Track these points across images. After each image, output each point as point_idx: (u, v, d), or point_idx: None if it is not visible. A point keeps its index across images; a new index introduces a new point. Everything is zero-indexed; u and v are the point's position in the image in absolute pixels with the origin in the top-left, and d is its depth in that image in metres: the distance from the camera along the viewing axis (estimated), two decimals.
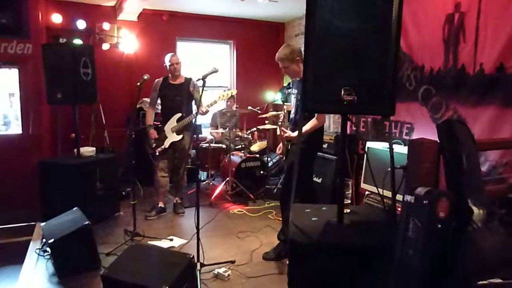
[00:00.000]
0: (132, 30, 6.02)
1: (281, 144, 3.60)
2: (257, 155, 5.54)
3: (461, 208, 1.64)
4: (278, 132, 3.17)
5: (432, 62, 3.56)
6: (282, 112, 3.14)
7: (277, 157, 6.30)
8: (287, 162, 3.39)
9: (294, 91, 3.34)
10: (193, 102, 4.51)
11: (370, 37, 1.77)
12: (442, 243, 1.59)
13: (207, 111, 4.26)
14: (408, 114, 3.79)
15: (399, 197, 2.87)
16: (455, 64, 3.34)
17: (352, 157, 4.30)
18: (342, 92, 1.78)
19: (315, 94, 1.86)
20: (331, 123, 5.43)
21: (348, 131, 4.55)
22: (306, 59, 1.86)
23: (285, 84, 6.88)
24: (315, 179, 4.56)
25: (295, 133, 3.10)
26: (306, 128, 3.12)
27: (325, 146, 4.56)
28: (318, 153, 4.52)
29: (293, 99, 3.32)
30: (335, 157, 4.35)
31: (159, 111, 4.66)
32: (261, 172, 5.34)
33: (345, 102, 1.79)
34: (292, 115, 3.34)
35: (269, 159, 5.83)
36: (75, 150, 4.18)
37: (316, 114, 3.13)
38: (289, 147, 3.36)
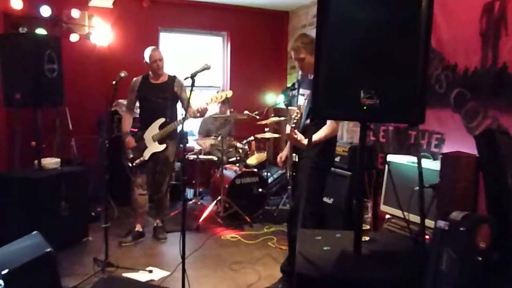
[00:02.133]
0: (106, 18, 6.04)
1: (285, 152, 3.56)
2: (255, 170, 5.52)
3: (506, 237, 1.62)
4: (288, 130, 3.12)
5: (467, 60, 3.57)
6: (298, 110, 3.12)
7: (279, 172, 6.29)
8: (295, 179, 3.37)
9: (306, 91, 3.35)
10: (179, 104, 4.51)
11: (396, 30, 1.77)
12: (482, 280, 1.58)
13: (205, 110, 4.25)
14: (437, 122, 3.79)
15: (428, 222, 2.87)
16: (495, 62, 3.35)
17: (370, 173, 4.28)
18: (362, 94, 1.78)
19: (328, 97, 1.86)
20: (345, 132, 5.44)
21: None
22: (318, 55, 1.86)
23: (289, 85, 6.90)
24: (325, 199, 4.54)
25: (306, 140, 3.09)
26: (317, 137, 3.11)
27: (337, 159, 4.54)
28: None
29: (303, 101, 3.31)
30: (349, 173, 4.34)
31: (138, 116, 4.65)
32: (260, 190, 5.32)
33: (365, 107, 1.78)
34: (302, 121, 3.32)
35: (269, 174, 5.82)
36: (36, 161, 4.14)
37: (328, 121, 3.13)
38: (296, 160, 3.35)
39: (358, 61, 1.82)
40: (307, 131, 3.19)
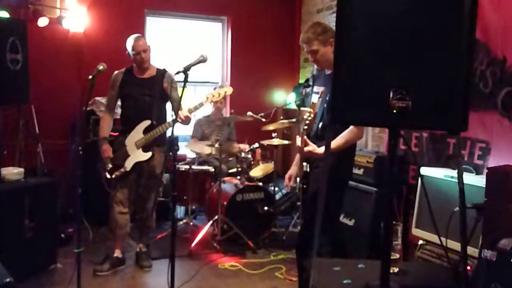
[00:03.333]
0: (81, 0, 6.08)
1: (293, 169, 3.57)
2: (260, 184, 5.52)
3: None
4: (298, 143, 3.14)
5: None
6: (311, 111, 3.13)
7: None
8: (306, 193, 3.37)
9: (320, 88, 3.36)
10: (168, 104, 4.52)
11: (433, 17, 1.77)
12: None
13: (188, 119, 4.25)
14: (482, 129, 3.78)
15: (471, 250, 2.86)
16: None
17: (400, 189, 4.27)
18: (391, 95, 1.77)
19: (351, 98, 1.85)
20: (369, 139, 5.43)
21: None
22: (338, 48, 1.86)
23: (302, 81, 6.91)
24: (345, 220, 4.54)
25: (322, 149, 3.09)
26: (337, 143, 3.13)
27: (359, 171, 4.54)
28: (350, 182, 4.52)
29: (318, 100, 3.33)
30: (374, 189, 4.33)
31: (119, 117, 4.65)
32: (266, 208, 5.31)
33: (395, 111, 1.77)
34: (315, 125, 3.33)
35: (277, 189, 5.81)
36: None
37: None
38: (307, 170, 3.35)
39: (387, 55, 1.82)
40: (322, 136, 3.20)
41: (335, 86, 1.88)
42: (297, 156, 3.53)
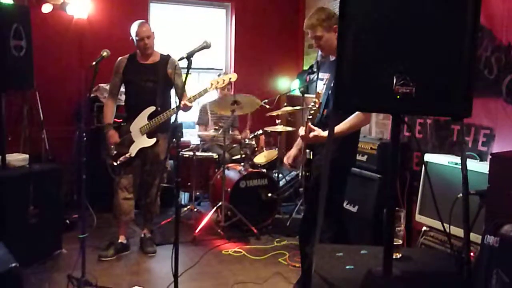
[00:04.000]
0: None
1: (294, 150, 3.57)
2: (264, 170, 5.52)
3: None
4: (301, 132, 3.14)
5: None
6: (315, 100, 3.13)
7: (293, 173, 6.29)
8: (309, 180, 3.37)
9: (325, 75, 3.36)
10: (172, 90, 4.52)
11: (437, 4, 1.75)
12: None
13: (187, 107, 4.26)
14: (486, 115, 3.77)
15: (474, 236, 2.86)
16: None
17: (404, 175, 4.27)
18: (395, 81, 1.76)
19: (354, 84, 1.84)
20: (373, 125, 5.42)
21: None
22: (342, 34, 1.84)
23: (306, 67, 6.88)
24: (348, 207, 4.54)
25: (325, 133, 3.09)
26: (340, 128, 3.13)
27: (363, 158, 4.54)
28: (354, 168, 4.52)
29: (322, 86, 3.33)
30: (378, 176, 4.33)
31: (123, 103, 4.65)
32: (269, 195, 5.33)
33: (398, 96, 1.77)
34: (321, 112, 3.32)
35: (281, 176, 5.82)
36: None
37: None
38: (310, 157, 3.35)
39: (390, 41, 1.80)
40: (326, 123, 3.19)
41: (339, 72, 1.86)
42: (299, 140, 3.52)
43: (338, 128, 3.11)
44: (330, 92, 3.24)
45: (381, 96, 1.81)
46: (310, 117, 3.07)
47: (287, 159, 3.62)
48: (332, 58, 3.37)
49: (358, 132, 3.41)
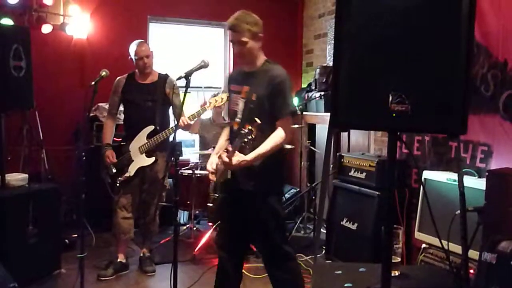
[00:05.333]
0: (85, 5, 6.10)
1: (214, 158, 3.32)
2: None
3: None
4: (225, 159, 2.92)
5: None
6: (251, 129, 3.00)
7: (292, 190, 6.29)
8: (225, 207, 3.30)
9: (240, 88, 3.20)
10: (171, 109, 4.53)
11: (431, 19, 1.77)
12: None
13: (188, 126, 4.27)
14: (483, 132, 3.77)
15: (472, 253, 2.85)
16: None
17: (402, 192, 4.27)
18: (390, 98, 1.78)
19: (350, 102, 1.86)
20: (372, 142, 5.43)
21: (397, 155, 4.57)
22: (338, 50, 1.87)
23: (304, 85, 6.92)
24: (347, 224, 4.54)
25: (251, 155, 2.96)
26: (264, 149, 2.99)
27: (362, 175, 4.54)
28: (353, 186, 4.52)
29: (240, 102, 3.17)
30: (377, 193, 4.32)
31: (122, 122, 4.67)
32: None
33: (394, 114, 1.78)
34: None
35: None
36: None
37: (280, 125, 3.04)
38: (228, 177, 3.18)
39: (386, 58, 1.82)
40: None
41: (335, 89, 1.88)
42: (218, 145, 3.43)
43: (262, 149, 2.97)
44: (252, 105, 3.09)
45: (377, 113, 1.82)
46: (244, 144, 2.86)
47: (210, 165, 3.30)
48: (248, 69, 3.22)
49: (283, 151, 3.30)
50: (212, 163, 3.26)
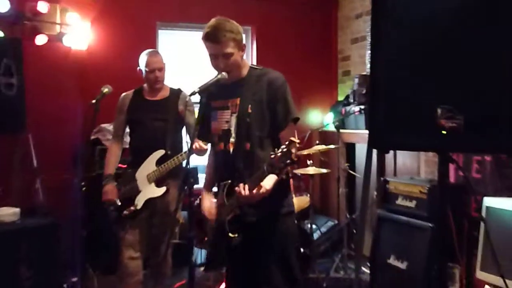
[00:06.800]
0: (85, 13, 6.19)
1: (208, 202, 3.42)
2: (295, 220, 5.50)
3: None
4: (246, 192, 2.90)
5: None
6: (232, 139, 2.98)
7: (329, 223, 6.25)
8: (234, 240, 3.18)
9: (226, 102, 3.21)
10: (184, 130, 4.56)
11: (486, 19, 1.78)
12: None
13: (203, 149, 4.20)
14: None
15: None
16: None
17: (460, 224, 4.21)
18: (439, 113, 1.78)
19: (389, 118, 1.86)
20: (422, 165, 5.38)
21: (452, 179, 4.52)
22: (375, 59, 1.88)
23: (341, 98, 6.92)
24: (395, 262, 4.49)
25: (270, 182, 2.91)
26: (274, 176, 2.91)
27: (411, 204, 4.50)
28: (400, 216, 4.48)
29: (232, 119, 3.16)
30: (430, 225, 4.27)
31: (128, 146, 4.70)
32: (301, 250, 5.28)
33: (444, 131, 1.77)
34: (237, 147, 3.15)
35: (314, 227, 5.78)
36: None
37: (284, 135, 3.00)
38: (238, 213, 3.13)
39: (432, 66, 1.83)
40: (251, 162, 3.04)
41: (372, 102, 1.89)
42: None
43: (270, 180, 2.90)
44: (249, 119, 3.08)
45: (423, 131, 1.83)
46: (278, 172, 2.73)
47: (208, 212, 3.41)
48: (234, 79, 3.17)
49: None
50: (211, 209, 3.32)
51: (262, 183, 2.86)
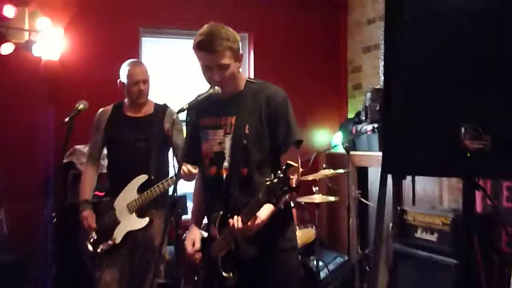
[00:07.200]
0: (58, 18, 6.21)
1: (194, 234, 3.36)
2: (299, 256, 5.49)
3: None
4: (239, 224, 2.87)
5: None
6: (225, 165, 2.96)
7: (338, 259, 6.22)
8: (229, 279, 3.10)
9: (218, 119, 3.19)
10: (171, 151, 4.55)
11: None
12: None
13: (191, 174, 4.14)
14: None
15: None
16: None
17: (489, 260, 4.20)
18: (463, 132, 1.78)
19: (406, 138, 1.86)
20: (444, 192, 5.37)
21: (479, 208, 4.52)
22: (389, 67, 1.88)
23: (351, 115, 6.93)
24: None
25: (266, 211, 2.88)
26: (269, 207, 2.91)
27: (433, 237, 4.49)
28: (420, 252, 4.48)
29: (226, 140, 3.14)
30: (454, 261, 4.27)
31: (105, 171, 4.69)
32: None
33: (469, 154, 1.78)
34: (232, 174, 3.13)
35: (321, 264, 5.77)
36: None
37: (285, 159, 2.88)
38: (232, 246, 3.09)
39: (456, 79, 1.83)
40: (248, 187, 3.04)
41: (387, 121, 1.89)
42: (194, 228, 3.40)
43: (267, 210, 2.89)
44: (246, 141, 3.07)
45: (445, 153, 1.82)
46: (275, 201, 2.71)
47: (190, 246, 3.32)
48: (229, 92, 3.15)
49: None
50: (196, 241, 3.25)
51: (257, 214, 2.83)
